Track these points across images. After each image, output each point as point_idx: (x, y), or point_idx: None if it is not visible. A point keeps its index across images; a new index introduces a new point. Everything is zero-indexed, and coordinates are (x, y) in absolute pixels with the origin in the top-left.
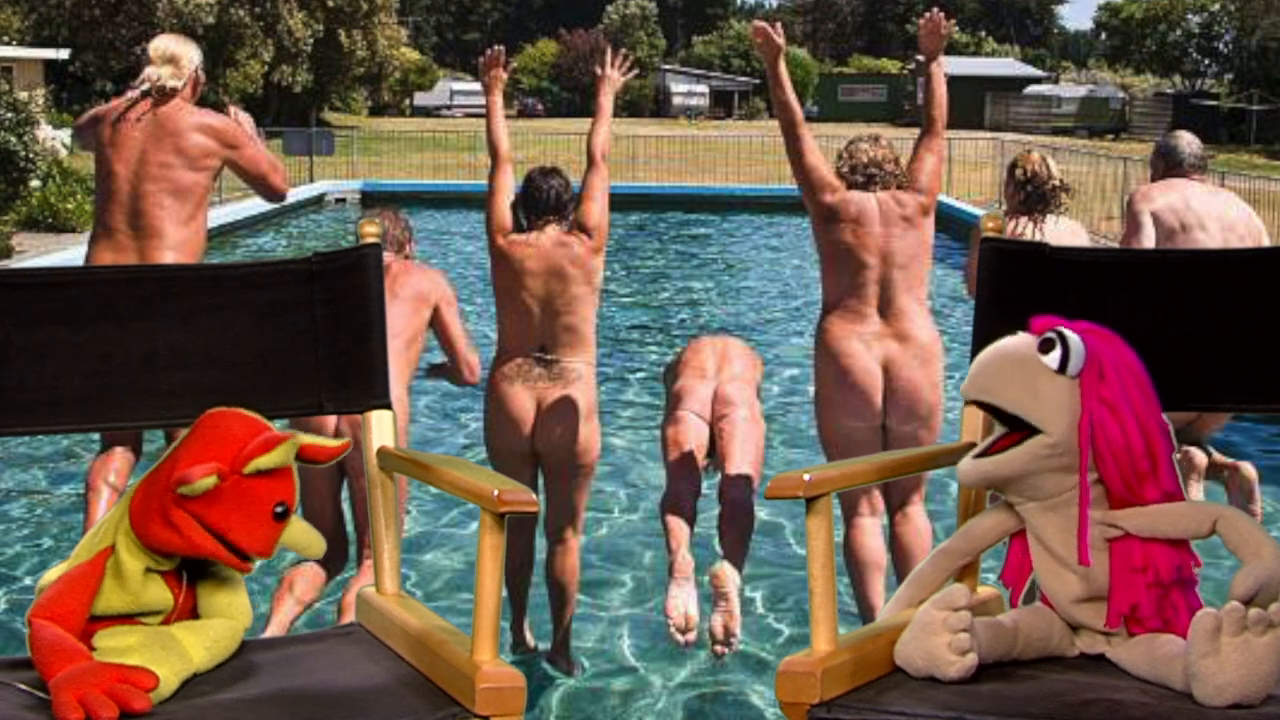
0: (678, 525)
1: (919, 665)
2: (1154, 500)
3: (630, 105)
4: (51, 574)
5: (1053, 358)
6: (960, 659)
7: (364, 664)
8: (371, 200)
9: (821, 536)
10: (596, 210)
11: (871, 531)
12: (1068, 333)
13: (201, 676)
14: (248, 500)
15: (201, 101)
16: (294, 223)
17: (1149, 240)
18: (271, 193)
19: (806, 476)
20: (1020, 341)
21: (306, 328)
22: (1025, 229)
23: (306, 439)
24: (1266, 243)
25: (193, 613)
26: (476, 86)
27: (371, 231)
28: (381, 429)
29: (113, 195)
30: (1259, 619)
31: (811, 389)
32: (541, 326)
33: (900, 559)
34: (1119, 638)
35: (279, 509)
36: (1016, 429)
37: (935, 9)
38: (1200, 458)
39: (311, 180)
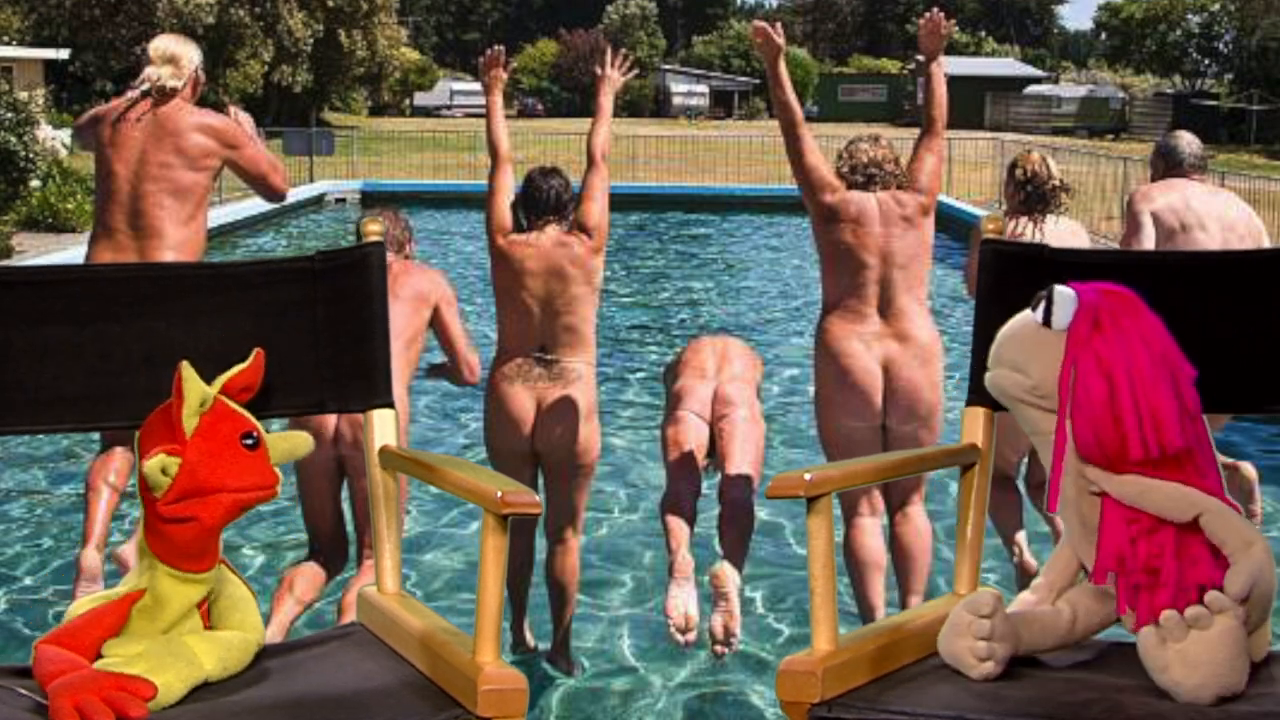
0: (678, 525)
1: (948, 662)
2: (1135, 459)
3: (630, 105)
4: (80, 605)
5: (1039, 312)
6: (979, 664)
7: (365, 665)
8: (371, 200)
9: (822, 536)
10: (596, 210)
11: (871, 531)
12: (1058, 287)
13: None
14: (213, 451)
15: (201, 101)
16: (294, 223)
17: (1149, 240)
18: (271, 193)
19: (807, 476)
20: (1028, 310)
21: (308, 327)
22: (1025, 229)
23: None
24: (1266, 243)
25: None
26: (476, 86)
27: (374, 230)
28: (383, 428)
29: (113, 195)
30: (1196, 616)
31: (811, 389)
32: (541, 326)
33: (900, 559)
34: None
35: (247, 440)
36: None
37: (935, 9)
38: None
39: (311, 180)
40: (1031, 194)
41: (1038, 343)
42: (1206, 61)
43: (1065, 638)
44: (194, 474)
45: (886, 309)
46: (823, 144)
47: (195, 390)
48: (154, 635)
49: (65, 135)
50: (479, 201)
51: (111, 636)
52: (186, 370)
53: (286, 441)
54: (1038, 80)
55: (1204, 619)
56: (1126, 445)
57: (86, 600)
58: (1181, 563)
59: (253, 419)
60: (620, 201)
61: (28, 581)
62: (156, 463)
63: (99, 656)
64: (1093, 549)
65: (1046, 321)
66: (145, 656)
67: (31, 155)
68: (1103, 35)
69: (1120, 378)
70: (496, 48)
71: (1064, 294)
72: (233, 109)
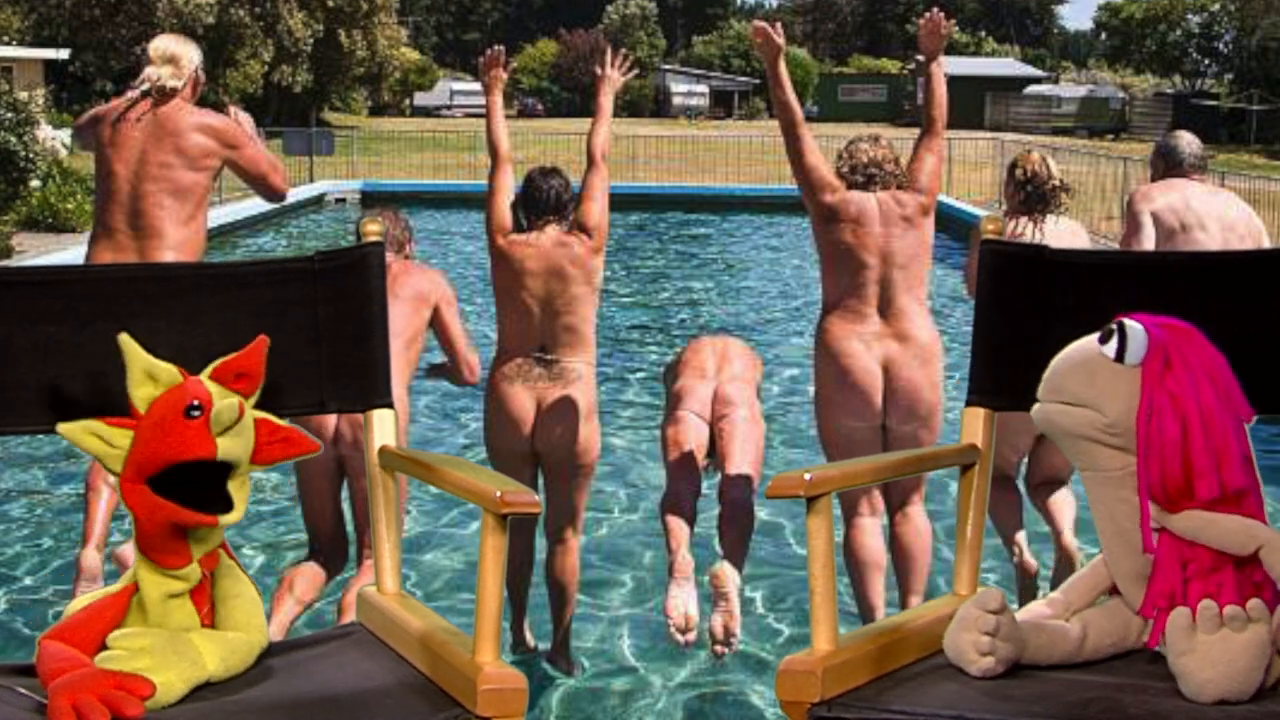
0: (678, 525)
1: (951, 655)
2: (1205, 499)
3: (630, 105)
4: (80, 601)
5: (1110, 346)
6: (980, 659)
7: (365, 665)
8: (371, 200)
9: (822, 536)
10: (596, 210)
11: (871, 531)
12: (1128, 322)
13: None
14: (157, 423)
15: (201, 101)
16: (294, 223)
17: (1149, 240)
18: (271, 193)
19: (807, 476)
20: (1086, 340)
21: (308, 327)
22: (1025, 229)
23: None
24: (1266, 243)
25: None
26: (476, 86)
27: (374, 230)
28: (383, 428)
29: (113, 195)
30: (1234, 615)
31: (811, 389)
32: (541, 326)
33: (900, 559)
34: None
35: (192, 411)
36: None
37: (935, 9)
38: None
39: (311, 180)
40: (1031, 194)
41: (1112, 378)
42: (1206, 61)
43: (1072, 654)
44: (141, 444)
45: (886, 309)
46: (823, 144)
47: (136, 360)
48: (143, 624)
49: (65, 135)
50: (479, 201)
51: (113, 630)
52: (124, 341)
53: (226, 400)
54: (1038, 80)
55: (1238, 621)
56: (1195, 485)
57: (86, 596)
58: (1240, 598)
59: (208, 392)
60: (620, 201)
61: (28, 581)
62: (81, 426)
63: (102, 648)
64: (1125, 571)
65: (1120, 357)
66: (149, 653)
67: (31, 155)
68: (1103, 35)
69: (1194, 418)
70: (496, 48)
71: (1136, 329)
72: (233, 109)
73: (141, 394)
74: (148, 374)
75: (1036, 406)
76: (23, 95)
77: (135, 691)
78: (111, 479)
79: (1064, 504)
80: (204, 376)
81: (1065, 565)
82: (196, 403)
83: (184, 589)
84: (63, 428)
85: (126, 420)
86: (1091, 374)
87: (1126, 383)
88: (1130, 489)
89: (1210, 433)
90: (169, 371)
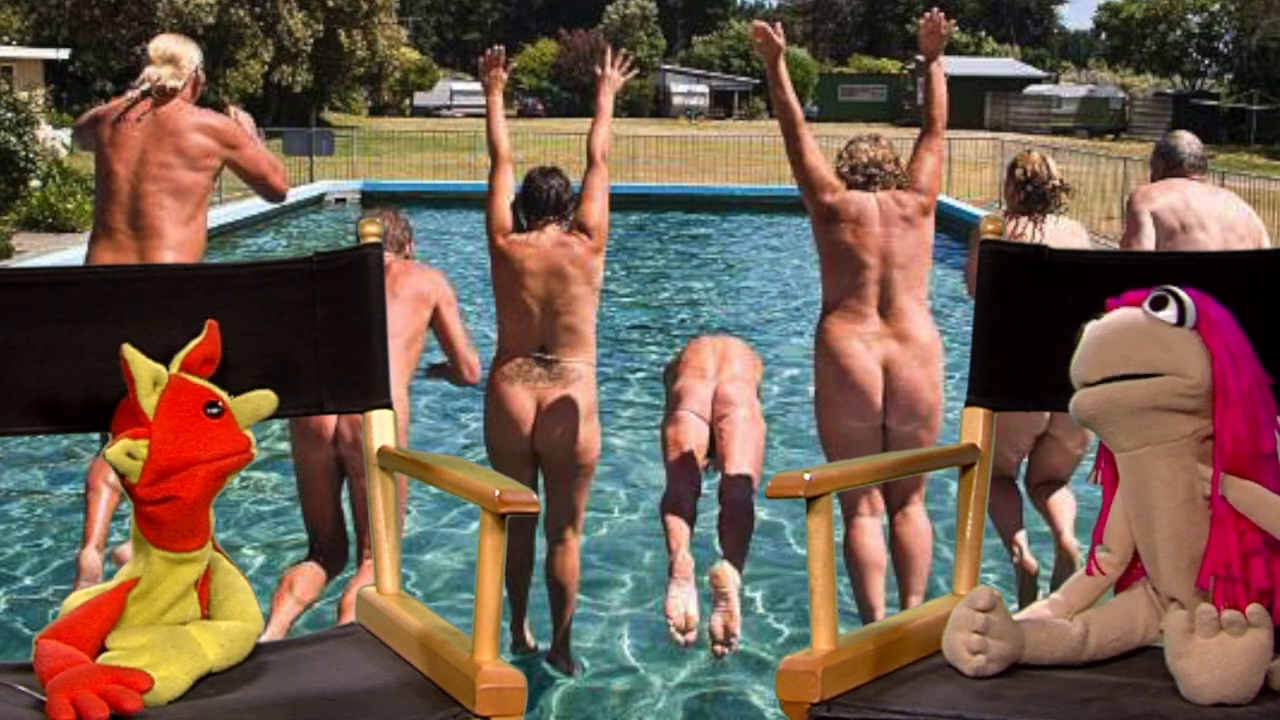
0: (678, 525)
1: (948, 656)
2: (1266, 450)
3: (630, 105)
4: (75, 598)
5: (1169, 313)
6: (971, 658)
7: (365, 664)
8: (371, 200)
9: (822, 536)
10: (596, 210)
11: (871, 531)
12: (1175, 289)
13: (204, 678)
14: (177, 427)
15: (201, 101)
16: (294, 223)
17: (1149, 240)
18: (271, 193)
19: (807, 476)
20: (1122, 314)
21: (307, 327)
22: (1025, 229)
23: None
24: (1266, 243)
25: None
26: (476, 86)
27: (372, 231)
28: (382, 428)
29: (113, 195)
30: (1233, 620)
31: (811, 389)
32: (541, 326)
33: (900, 559)
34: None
35: (211, 410)
36: None
37: (935, 9)
38: None
39: (311, 180)
40: (1031, 194)
41: (1184, 341)
42: (1206, 61)
43: (1073, 653)
44: (163, 451)
45: (886, 309)
46: (823, 144)
47: (144, 368)
48: (153, 620)
49: (65, 135)
50: (479, 201)
51: (110, 627)
52: (129, 352)
53: (249, 404)
54: (1038, 80)
55: (1238, 626)
56: (1261, 439)
57: (81, 594)
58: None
59: (214, 388)
60: (620, 201)
61: (28, 581)
62: (119, 449)
63: (101, 649)
64: (1173, 555)
65: (1181, 320)
66: (149, 649)
67: (31, 155)
68: (1103, 35)
69: (1247, 368)
70: (496, 48)
71: (1182, 294)
72: (233, 109)
73: (151, 403)
74: (155, 382)
75: (1085, 392)
76: (23, 95)
77: (134, 686)
78: (113, 478)
79: (1064, 504)
80: (176, 370)
81: (1065, 565)
82: (214, 401)
83: (198, 574)
84: (109, 455)
85: (139, 430)
86: (1161, 340)
87: (1195, 344)
88: (1193, 455)
89: (1262, 381)
90: (163, 373)
